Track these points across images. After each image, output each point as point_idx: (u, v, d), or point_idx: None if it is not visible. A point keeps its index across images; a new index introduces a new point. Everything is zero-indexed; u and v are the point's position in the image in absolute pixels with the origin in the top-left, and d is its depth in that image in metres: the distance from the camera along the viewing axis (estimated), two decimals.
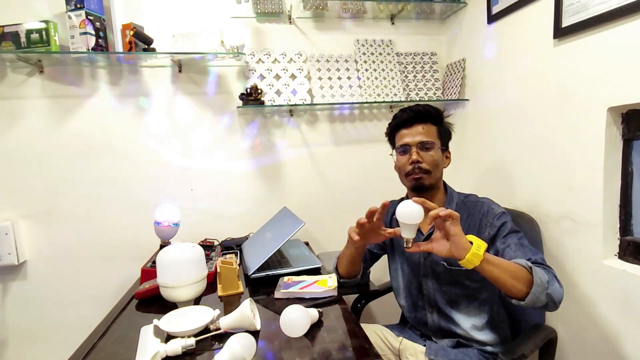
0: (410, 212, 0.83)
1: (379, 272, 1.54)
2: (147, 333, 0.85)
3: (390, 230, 0.97)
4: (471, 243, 0.81)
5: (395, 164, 1.14)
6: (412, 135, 1.07)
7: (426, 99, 1.78)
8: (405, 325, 1.21)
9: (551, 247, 1.28)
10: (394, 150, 1.14)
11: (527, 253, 0.92)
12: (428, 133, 1.07)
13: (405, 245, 0.87)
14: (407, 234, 0.86)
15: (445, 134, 1.11)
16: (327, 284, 1.11)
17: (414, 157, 1.05)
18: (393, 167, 1.16)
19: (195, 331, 0.85)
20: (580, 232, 1.18)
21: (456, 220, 0.81)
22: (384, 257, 1.28)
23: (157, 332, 0.85)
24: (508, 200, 1.44)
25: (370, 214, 0.94)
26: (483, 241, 0.82)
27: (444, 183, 1.14)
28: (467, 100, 1.74)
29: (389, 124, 1.15)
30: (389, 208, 1.24)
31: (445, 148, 1.11)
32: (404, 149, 1.08)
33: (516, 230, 1.00)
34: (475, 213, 1.05)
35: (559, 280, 0.87)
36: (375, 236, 1.00)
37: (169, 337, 0.85)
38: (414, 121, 1.08)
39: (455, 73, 1.76)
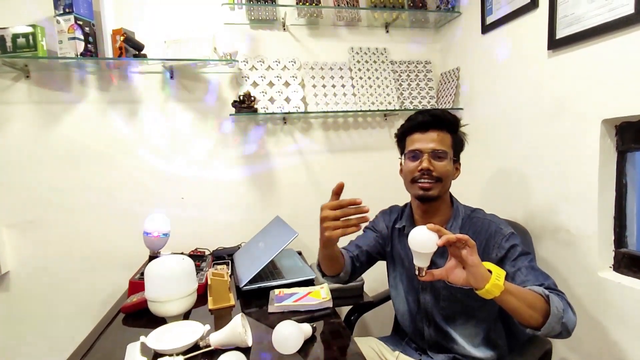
0: (425, 241, 0.77)
1: (373, 282, 1.51)
2: (133, 351, 0.82)
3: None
4: (489, 272, 0.76)
5: (401, 168, 1.09)
6: (426, 141, 1.01)
7: (420, 107, 1.77)
8: (400, 338, 1.19)
9: (546, 258, 1.27)
10: (403, 155, 1.07)
11: (538, 277, 0.89)
12: (442, 141, 1.01)
13: (418, 274, 0.81)
14: (421, 263, 0.80)
15: (458, 144, 1.06)
16: (320, 295, 1.09)
17: (425, 164, 0.98)
18: (398, 172, 1.10)
19: (184, 348, 0.83)
20: (575, 244, 1.18)
21: (473, 249, 0.76)
22: (380, 265, 1.25)
23: (144, 349, 0.82)
24: (502, 210, 1.43)
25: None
26: (502, 269, 0.78)
27: (450, 195, 1.10)
28: (461, 109, 1.74)
29: (402, 125, 1.08)
30: (391, 214, 1.20)
31: (456, 159, 1.05)
32: (415, 155, 1.02)
33: (526, 252, 0.95)
34: (481, 232, 1.00)
35: (572, 307, 0.84)
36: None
37: (156, 355, 0.82)
38: (429, 126, 1.01)
39: (449, 82, 1.76)
